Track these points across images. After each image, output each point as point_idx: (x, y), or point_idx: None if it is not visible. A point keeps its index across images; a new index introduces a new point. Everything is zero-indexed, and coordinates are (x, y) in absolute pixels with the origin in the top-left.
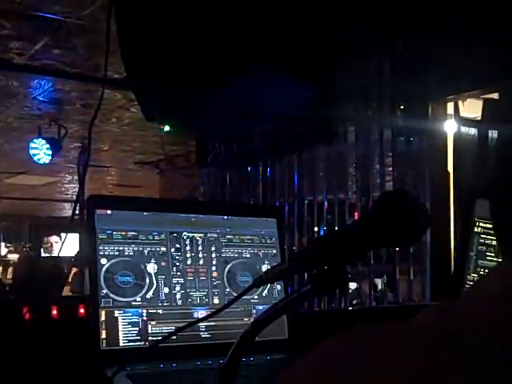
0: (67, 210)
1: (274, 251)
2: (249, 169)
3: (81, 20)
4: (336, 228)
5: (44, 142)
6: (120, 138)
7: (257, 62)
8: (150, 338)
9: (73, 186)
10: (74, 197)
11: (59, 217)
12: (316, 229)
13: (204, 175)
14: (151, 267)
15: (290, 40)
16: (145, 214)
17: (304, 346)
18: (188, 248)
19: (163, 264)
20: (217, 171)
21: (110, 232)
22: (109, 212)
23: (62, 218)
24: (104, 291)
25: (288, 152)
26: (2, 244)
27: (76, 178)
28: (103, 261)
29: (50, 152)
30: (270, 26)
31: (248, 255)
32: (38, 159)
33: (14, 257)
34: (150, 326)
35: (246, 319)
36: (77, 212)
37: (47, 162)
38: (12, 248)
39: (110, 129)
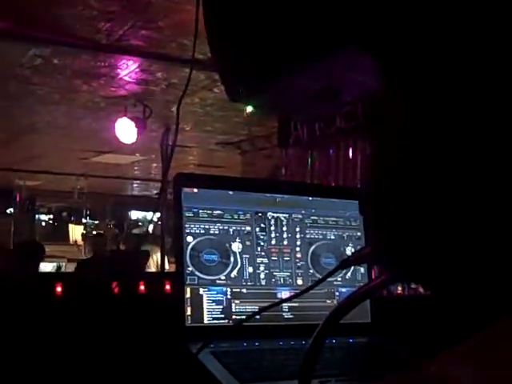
0: (151, 189)
1: (359, 233)
2: (331, 151)
3: (168, 1)
4: None
5: (130, 121)
6: (202, 118)
7: (341, 45)
8: (233, 317)
9: (155, 165)
10: (158, 176)
11: (143, 195)
12: None
13: (286, 156)
14: (236, 246)
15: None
16: (230, 193)
17: (387, 329)
18: (273, 228)
19: (248, 243)
20: (299, 152)
21: (196, 210)
22: (195, 190)
23: (146, 197)
24: (190, 269)
25: (368, 133)
26: (89, 221)
27: (160, 157)
28: (189, 239)
29: (135, 131)
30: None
31: (332, 237)
32: (124, 139)
33: (98, 233)
34: (233, 305)
35: (328, 301)
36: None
37: (133, 141)
38: (97, 225)
39: (193, 109)
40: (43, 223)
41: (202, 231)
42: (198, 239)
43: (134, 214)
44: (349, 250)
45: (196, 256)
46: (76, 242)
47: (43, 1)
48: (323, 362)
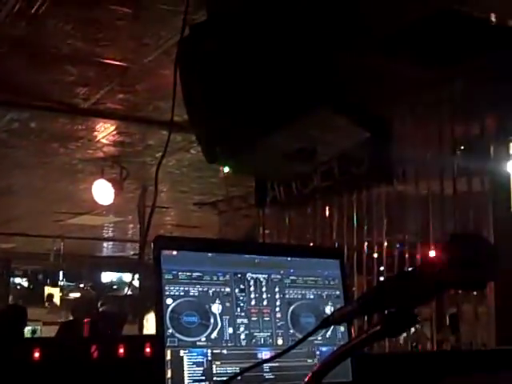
0: (127, 250)
1: (338, 292)
2: (308, 209)
3: (144, 66)
4: (398, 270)
5: (106, 182)
6: (179, 179)
7: (315, 106)
8: (214, 379)
9: (132, 225)
10: (135, 237)
11: (119, 256)
12: (380, 268)
13: (263, 216)
14: (216, 307)
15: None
16: (209, 254)
17: None
18: (252, 289)
19: (228, 304)
20: (276, 211)
21: (175, 272)
22: (174, 253)
23: (122, 258)
24: (170, 331)
25: (347, 192)
26: (65, 283)
27: (137, 218)
28: (169, 301)
29: (112, 192)
30: (329, 68)
31: (311, 296)
32: (100, 200)
33: (75, 295)
34: (214, 366)
35: (309, 360)
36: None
37: (110, 202)
38: (73, 287)
39: (170, 170)
40: (18, 286)
41: (182, 293)
42: (178, 301)
43: (109, 276)
44: (328, 309)
45: (176, 318)
46: (52, 304)
47: (21, 66)
48: None
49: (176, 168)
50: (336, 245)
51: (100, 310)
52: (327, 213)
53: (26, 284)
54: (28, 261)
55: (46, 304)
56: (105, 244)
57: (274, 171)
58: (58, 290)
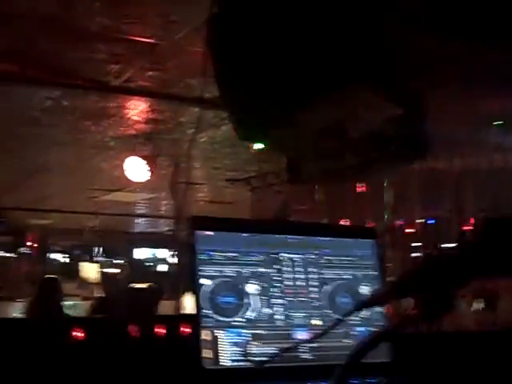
0: (160, 226)
1: (373, 273)
2: (340, 187)
3: (174, 43)
4: (436, 251)
5: (139, 159)
6: (211, 155)
7: (348, 82)
8: (251, 359)
9: (165, 202)
10: (168, 213)
11: (154, 232)
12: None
13: (295, 192)
14: (251, 288)
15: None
16: (244, 235)
17: (407, 368)
18: (287, 269)
19: (263, 285)
20: (308, 188)
21: (210, 253)
22: (209, 233)
23: (157, 234)
24: (205, 311)
25: (380, 169)
26: (100, 258)
27: (169, 194)
28: (204, 281)
29: (144, 170)
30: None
31: (347, 276)
32: (133, 177)
33: (110, 271)
34: (250, 347)
35: (345, 341)
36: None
37: (142, 179)
38: (109, 262)
39: (202, 147)
40: (55, 262)
41: (217, 274)
42: (213, 282)
43: (144, 252)
44: (364, 290)
45: (212, 298)
46: (88, 279)
47: (53, 45)
48: None
49: (208, 144)
50: (369, 221)
51: (135, 286)
52: (360, 189)
53: (62, 260)
54: (64, 237)
55: (83, 279)
56: (139, 220)
57: (307, 148)
58: (93, 265)
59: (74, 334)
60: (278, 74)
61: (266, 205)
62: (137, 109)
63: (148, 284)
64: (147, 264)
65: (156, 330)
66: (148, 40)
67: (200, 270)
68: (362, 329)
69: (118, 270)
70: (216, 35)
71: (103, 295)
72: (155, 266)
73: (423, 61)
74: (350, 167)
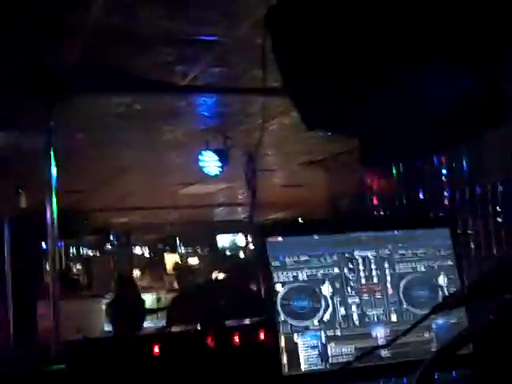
0: (239, 214)
1: (450, 262)
2: (416, 163)
3: (236, 38)
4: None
5: (212, 153)
6: (283, 141)
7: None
8: (330, 361)
9: (241, 190)
10: (245, 200)
11: (232, 220)
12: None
13: (369, 172)
14: (326, 290)
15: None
16: (315, 237)
17: (488, 361)
18: (361, 267)
19: (338, 285)
20: (382, 168)
21: (282, 259)
22: (279, 239)
23: (235, 222)
24: (282, 317)
25: (456, 142)
26: (183, 249)
27: (245, 183)
28: (278, 287)
29: (218, 162)
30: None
31: (423, 269)
32: (208, 171)
33: (193, 261)
34: (329, 348)
35: (426, 335)
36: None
37: (217, 172)
38: (191, 252)
39: (273, 134)
40: (140, 256)
41: (291, 279)
42: (288, 287)
43: (224, 240)
44: (441, 280)
45: (287, 304)
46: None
47: (120, 53)
48: None
49: (279, 131)
50: (446, 199)
51: (217, 276)
52: (435, 165)
53: (146, 254)
54: (146, 231)
55: (168, 271)
56: (217, 210)
57: (378, 130)
58: (177, 256)
59: (152, 349)
60: (344, 56)
61: (341, 185)
62: (206, 104)
63: (229, 273)
64: (228, 252)
65: (233, 338)
66: (211, 38)
67: (274, 277)
68: (441, 321)
69: (197, 261)
70: (275, 24)
71: (186, 287)
72: (236, 253)
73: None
74: (426, 141)
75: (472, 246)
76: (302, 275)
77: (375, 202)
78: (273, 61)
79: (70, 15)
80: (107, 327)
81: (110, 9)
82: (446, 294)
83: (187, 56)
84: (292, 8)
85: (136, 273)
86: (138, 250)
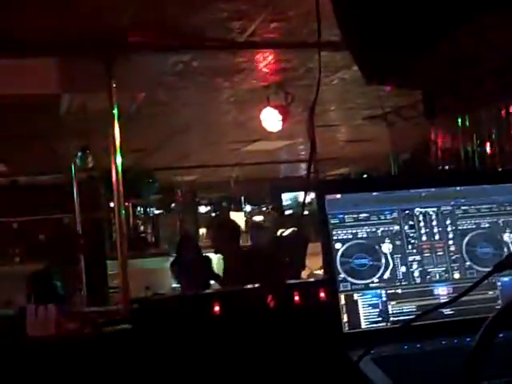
0: (303, 170)
1: None
2: (482, 114)
3: None
4: None
5: (273, 110)
6: (345, 96)
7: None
8: (391, 319)
9: (305, 147)
10: (307, 156)
11: (296, 176)
12: None
13: (434, 126)
14: (386, 247)
15: None
16: (374, 194)
17: None
18: (422, 224)
19: (398, 243)
20: (447, 120)
21: (341, 216)
22: (338, 196)
23: (299, 178)
24: (341, 275)
25: None
26: (248, 207)
27: (307, 139)
28: (338, 245)
29: (280, 118)
30: None
31: (487, 225)
32: (270, 127)
33: (258, 219)
34: (390, 307)
35: (490, 292)
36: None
37: (279, 128)
38: (257, 210)
39: (335, 89)
40: (205, 214)
41: (350, 236)
42: (347, 245)
43: (288, 197)
44: (506, 237)
45: (346, 262)
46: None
47: (178, 11)
48: (490, 361)
49: (340, 86)
50: None
51: (281, 233)
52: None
53: (212, 212)
54: (211, 190)
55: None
56: (280, 166)
57: (442, 81)
58: (242, 214)
59: (212, 308)
60: (405, 7)
61: (405, 139)
62: (265, 60)
63: (293, 230)
64: (291, 209)
65: (293, 298)
66: None
67: (333, 235)
68: (507, 279)
69: (262, 218)
70: None
71: (251, 244)
72: (299, 210)
73: None
74: (490, 92)
75: None
76: (362, 233)
77: (440, 155)
78: (331, 13)
79: None
80: (174, 284)
81: None
82: None
83: (243, 11)
84: None
85: (202, 231)
86: (202, 209)
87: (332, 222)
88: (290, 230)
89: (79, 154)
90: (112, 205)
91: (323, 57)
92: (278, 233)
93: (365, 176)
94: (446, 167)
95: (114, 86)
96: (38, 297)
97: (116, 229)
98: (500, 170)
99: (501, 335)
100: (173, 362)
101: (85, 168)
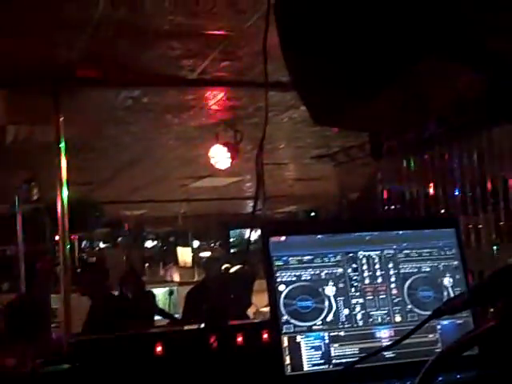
0: (250, 207)
1: (456, 263)
2: (425, 156)
3: (244, 31)
4: None
5: (222, 147)
6: (294, 135)
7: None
8: (333, 361)
9: (250, 184)
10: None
11: (244, 213)
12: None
13: (380, 166)
14: (329, 290)
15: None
16: (318, 236)
17: (494, 362)
18: (365, 267)
19: (341, 285)
20: (393, 161)
21: (285, 258)
22: (282, 238)
23: (246, 215)
24: (285, 317)
25: (466, 136)
26: (195, 242)
27: (255, 176)
28: (281, 287)
29: (228, 156)
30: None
31: (428, 269)
32: (218, 164)
33: (205, 255)
34: (332, 349)
35: (430, 335)
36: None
37: (228, 165)
38: (204, 246)
39: (284, 128)
40: (152, 248)
41: (294, 278)
42: (291, 287)
43: (235, 233)
44: (446, 281)
45: (290, 304)
46: (185, 264)
47: (127, 47)
48: None
49: (290, 125)
50: (458, 186)
51: (229, 270)
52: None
53: (159, 246)
54: (158, 224)
55: (181, 264)
56: (228, 203)
57: (387, 124)
58: (189, 249)
59: (154, 348)
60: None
61: (352, 179)
62: (215, 98)
63: (240, 267)
64: (237, 246)
65: (236, 339)
66: (219, 32)
67: (277, 277)
68: (446, 322)
69: (210, 253)
70: (280, 18)
71: (198, 284)
72: (245, 246)
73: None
74: (434, 137)
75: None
76: (306, 275)
77: (385, 196)
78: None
79: (76, 8)
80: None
81: (115, 2)
82: (452, 294)
83: (195, 50)
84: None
85: (147, 266)
86: (149, 243)
87: (276, 263)
88: (236, 267)
89: (24, 185)
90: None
91: (273, 96)
92: (225, 269)
93: (312, 214)
94: (392, 207)
95: (62, 119)
96: None
97: (60, 262)
98: (440, 215)
99: (440, 378)
100: None
101: (29, 200)
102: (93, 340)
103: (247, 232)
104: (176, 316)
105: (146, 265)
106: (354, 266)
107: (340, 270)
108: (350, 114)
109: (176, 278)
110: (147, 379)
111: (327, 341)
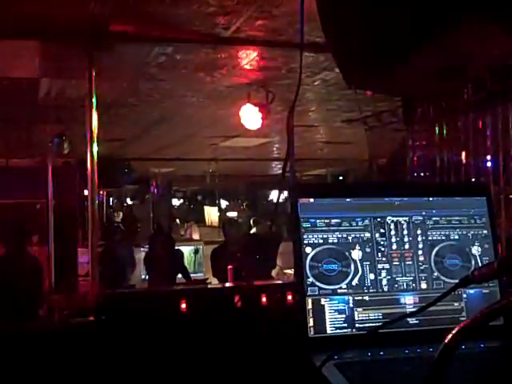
0: (279, 168)
1: (485, 232)
2: (459, 123)
3: None
4: None
5: (253, 107)
6: (326, 98)
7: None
8: (356, 325)
9: (282, 146)
10: (283, 155)
11: (272, 174)
12: None
13: (412, 132)
14: (356, 254)
15: None
16: (347, 200)
17: None
18: (393, 233)
19: (368, 250)
20: (425, 128)
21: (313, 220)
22: (311, 200)
23: (275, 176)
24: (310, 279)
25: (501, 101)
26: (222, 202)
27: (285, 138)
28: (308, 249)
29: (259, 116)
30: None
31: (456, 237)
32: (249, 124)
33: (232, 215)
34: (356, 313)
35: (456, 304)
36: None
37: (258, 126)
38: (232, 206)
39: (316, 90)
40: (179, 206)
41: (321, 241)
42: (317, 249)
43: (263, 194)
44: (475, 250)
45: (316, 266)
46: (212, 223)
47: (163, 3)
48: (452, 373)
49: (322, 87)
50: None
51: (254, 231)
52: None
53: (186, 204)
54: (187, 183)
55: (207, 223)
56: (257, 164)
57: (422, 89)
58: (216, 209)
59: (179, 306)
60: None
61: (383, 144)
62: (248, 58)
63: (266, 228)
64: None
65: (260, 299)
66: None
67: (304, 239)
68: (473, 291)
69: (236, 214)
70: None
71: (222, 243)
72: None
73: None
74: (469, 104)
75: None
76: (333, 238)
77: (415, 163)
78: (317, 15)
79: None
80: (143, 275)
81: None
82: (479, 263)
83: (229, 7)
84: None
85: (175, 223)
86: (177, 201)
87: (304, 225)
88: (254, 229)
89: (55, 139)
90: (86, 193)
91: (307, 57)
92: (245, 233)
93: (340, 178)
94: (422, 174)
95: (95, 74)
96: None
97: (89, 217)
98: (472, 182)
99: (463, 347)
100: (136, 359)
101: (60, 154)
102: (118, 294)
103: (273, 194)
104: (199, 275)
105: (174, 222)
106: (382, 230)
107: (367, 235)
108: (386, 77)
109: (202, 236)
110: (171, 335)
111: (351, 305)
